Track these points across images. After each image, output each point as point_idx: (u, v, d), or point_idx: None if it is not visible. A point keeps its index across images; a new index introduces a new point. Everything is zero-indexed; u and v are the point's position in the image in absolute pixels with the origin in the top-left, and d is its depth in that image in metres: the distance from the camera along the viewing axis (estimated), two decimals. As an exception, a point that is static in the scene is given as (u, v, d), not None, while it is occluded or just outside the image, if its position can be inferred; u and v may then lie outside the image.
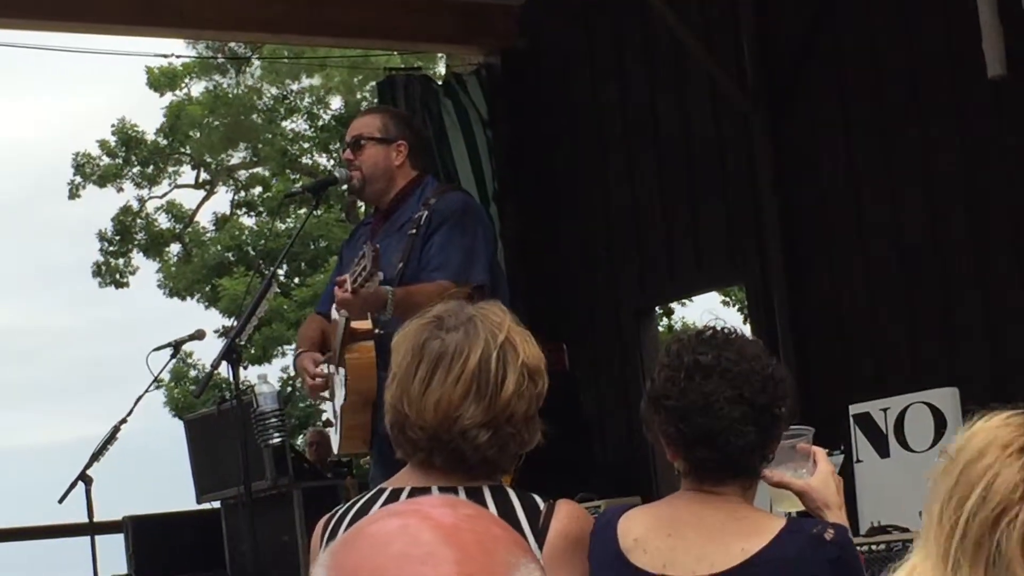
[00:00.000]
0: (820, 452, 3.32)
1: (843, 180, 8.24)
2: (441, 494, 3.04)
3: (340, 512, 3.27)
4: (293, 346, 6.11)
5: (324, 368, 5.65)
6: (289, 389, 22.44)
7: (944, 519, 1.69)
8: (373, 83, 19.49)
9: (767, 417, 3.14)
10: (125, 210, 25.48)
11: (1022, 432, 1.74)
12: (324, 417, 15.81)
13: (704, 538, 3.12)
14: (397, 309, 5.28)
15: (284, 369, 23.58)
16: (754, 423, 3.12)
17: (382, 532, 1.38)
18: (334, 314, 5.74)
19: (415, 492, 3.11)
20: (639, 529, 3.17)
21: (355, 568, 1.36)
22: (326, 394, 5.76)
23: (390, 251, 5.62)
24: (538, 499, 3.12)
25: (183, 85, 25.23)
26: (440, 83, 10.09)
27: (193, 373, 24.60)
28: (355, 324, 5.49)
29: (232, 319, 22.59)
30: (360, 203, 23.77)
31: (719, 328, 3.21)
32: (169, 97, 25.19)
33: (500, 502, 3.08)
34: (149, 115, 32.29)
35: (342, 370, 5.61)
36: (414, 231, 5.54)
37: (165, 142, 25.48)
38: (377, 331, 5.47)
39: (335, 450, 5.88)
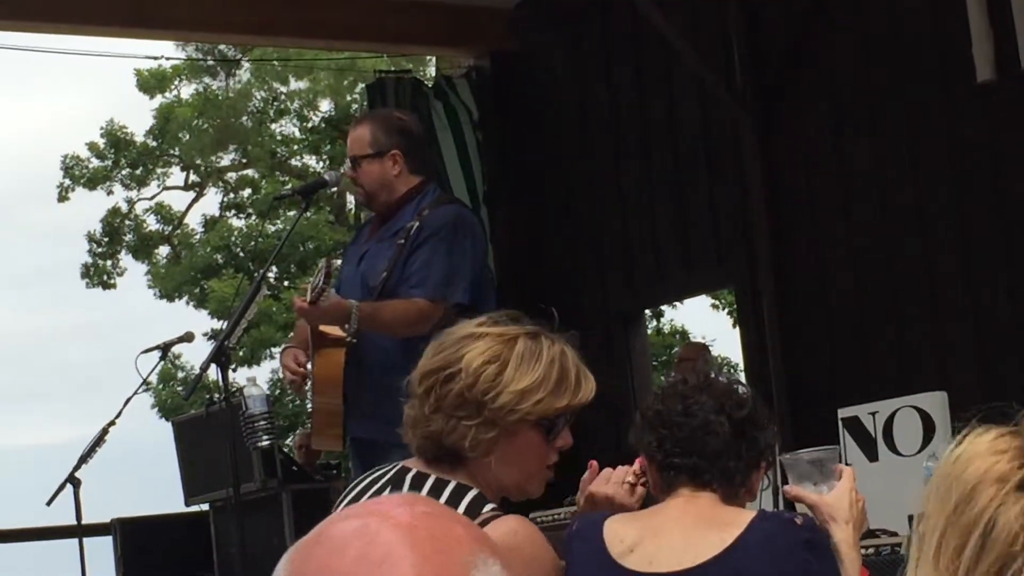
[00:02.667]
0: (847, 472, 3.41)
1: (833, 183, 8.24)
2: (408, 491, 3.05)
3: (356, 483, 3.28)
4: (281, 349, 6.07)
5: (309, 366, 5.64)
6: (278, 391, 22.42)
7: (942, 566, 1.55)
8: (362, 85, 19.47)
9: (744, 435, 3.28)
10: (114, 212, 25.46)
11: (1019, 461, 1.55)
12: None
13: (686, 533, 3.23)
14: (362, 324, 5.27)
15: (273, 371, 23.57)
16: (730, 431, 3.26)
17: (340, 535, 1.36)
18: None
19: (418, 476, 3.14)
20: (627, 532, 3.27)
21: (314, 574, 1.35)
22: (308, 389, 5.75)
23: (378, 258, 5.61)
24: (488, 507, 3.08)
25: (172, 87, 25.22)
26: (430, 85, 10.09)
27: (181, 375, 24.57)
28: (325, 329, 5.47)
29: (221, 322, 22.58)
30: (350, 207, 23.80)
31: (712, 373, 3.42)
32: (159, 99, 25.18)
33: (452, 498, 3.08)
34: (138, 117, 32.28)
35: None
36: (403, 241, 5.53)
37: (154, 144, 25.46)
38: (349, 339, 5.43)
39: (311, 443, 5.90)
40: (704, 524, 3.22)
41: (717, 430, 3.24)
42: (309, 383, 5.64)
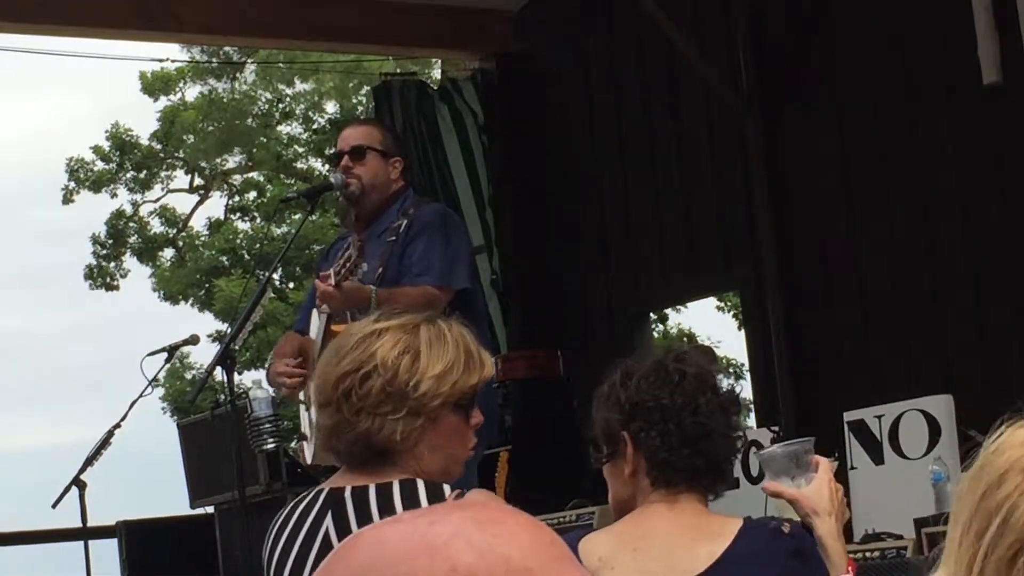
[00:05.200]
0: (823, 462, 3.39)
1: (837, 185, 8.24)
2: (353, 509, 3.09)
3: (284, 514, 3.28)
4: (266, 367, 6.07)
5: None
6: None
7: (963, 547, 1.60)
8: (367, 88, 19.46)
9: (735, 430, 3.28)
10: (118, 214, 25.46)
11: None
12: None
13: (671, 547, 3.17)
14: (380, 308, 5.30)
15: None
16: (731, 432, 3.26)
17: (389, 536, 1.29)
18: (312, 329, 5.74)
19: (357, 491, 3.13)
20: (603, 548, 3.20)
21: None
22: (303, 400, 5.73)
23: (370, 259, 5.65)
24: (447, 488, 3.12)
25: (177, 90, 25.21)
26: (435, 88, 10.09)
27: (189, 375, 24.57)
28: (336, 327, 5.49)
29: (226, 324, 22.57)
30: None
31: (687, 350, 3.39)
32: (163, 101, 25.19)
33: (407, 498, 3.08)
34: (143, 119, 32.31)
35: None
36: (393, 238, 5.62)
37: (159, 147, 25.46)
38: None
39: (308, 460, 5.77)
40: (690, 536, 3.18)
41: (728, 433, 3.22)
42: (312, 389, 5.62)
